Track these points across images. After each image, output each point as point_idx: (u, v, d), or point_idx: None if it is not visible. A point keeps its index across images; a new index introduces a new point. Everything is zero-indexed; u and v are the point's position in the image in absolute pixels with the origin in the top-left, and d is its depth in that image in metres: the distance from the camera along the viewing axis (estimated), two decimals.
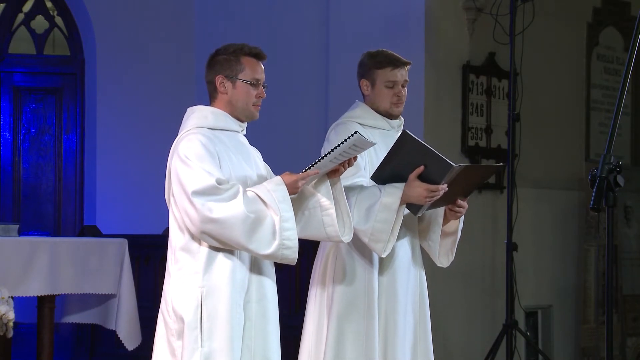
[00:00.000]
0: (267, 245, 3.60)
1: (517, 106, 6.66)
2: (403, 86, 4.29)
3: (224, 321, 3.62)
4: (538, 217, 7.45)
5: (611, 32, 8.16)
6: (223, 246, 3.61)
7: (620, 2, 8.17)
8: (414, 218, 4.27)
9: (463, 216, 4.30)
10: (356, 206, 4.07)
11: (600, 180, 2.91)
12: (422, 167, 3.99)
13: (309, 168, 3.70)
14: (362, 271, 4.20)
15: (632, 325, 7.92)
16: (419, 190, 4.01)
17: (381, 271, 4.22)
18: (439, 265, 4.35)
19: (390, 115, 4.28)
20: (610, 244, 2.99)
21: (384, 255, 4.10)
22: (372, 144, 3.78)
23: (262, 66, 3.82)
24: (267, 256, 3.64)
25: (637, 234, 8.10)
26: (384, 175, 4.08)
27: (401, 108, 4.31)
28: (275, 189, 3.64)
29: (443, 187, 3.99)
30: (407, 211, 4.15)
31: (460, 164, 3.99)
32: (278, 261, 3.68)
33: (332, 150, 3.66)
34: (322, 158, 3.67)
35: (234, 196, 3.57)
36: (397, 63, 4.28)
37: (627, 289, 7.91)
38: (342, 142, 3.64)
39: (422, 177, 4.02)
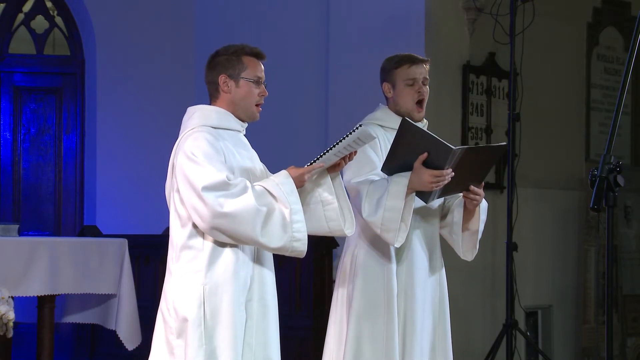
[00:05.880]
0: (278, 239, 3.60)
1: (517, 106, 6.66)
2: (424, 84, 4.32)
3: (226, 319, 3.61)
4: (538, 217, 7.45)
5: (611, 32, 8.16)
6: (232, 241, 3.61)
7: (620, 2, 8.17)
8: (432, 216, 4.30)
9: (485, 210, 4.29)
10: (367, 199, 4.11)
11: (600, 180, 2.91)
12: (425, 154, 4.01)
13: (314, 162, 3.73)
14: (380, 271, 4.22)
15: (632, 325, 7.92)
16: (424, 176, 4.02)
17: (399, 270, 4.23)
18: (463, 258, 4.35)
19: (411, 118, 4.24)
20: (610, 244, 2.99)
21: (397, 245, 4.11)
22: (373, 138, 3.82)
23: (262, 66, 3.84)
24: (277, 249, 3.64)
25: (637, 234, 8.10)
26: (392, 167, 4.11)
27: (423, 112, 4.33)
28: (283, 182, 3.65)
29: (448, 172, 4.01)
30: (421, 203, 4.16)
31: (460, 146, 3.99)
32: (287, 254, 3.68)
33: (337, 144, 3.69)
34: (327, 151, 3.71)
35: (244, 190, 3.57)
36: (414, 60, 4.32)
37: (627, 289, 7.90)
38: (347, 135, 3.68)
39: (427, 164, 4.03)
